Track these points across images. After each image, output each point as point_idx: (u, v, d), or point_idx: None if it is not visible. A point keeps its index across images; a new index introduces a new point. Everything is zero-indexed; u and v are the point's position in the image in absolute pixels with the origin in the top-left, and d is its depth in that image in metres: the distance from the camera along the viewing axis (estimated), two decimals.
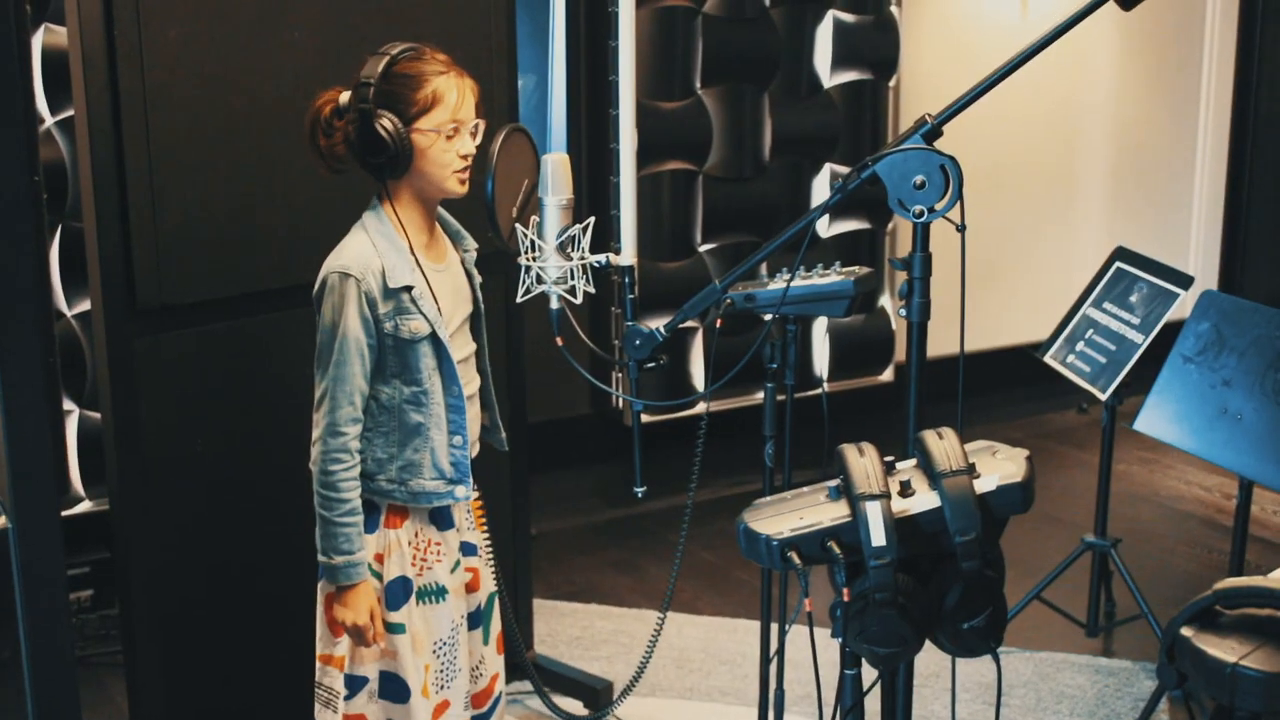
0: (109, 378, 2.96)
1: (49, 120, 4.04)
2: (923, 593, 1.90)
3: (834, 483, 1.96)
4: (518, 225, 2.57)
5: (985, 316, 5.99)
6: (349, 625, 2.61)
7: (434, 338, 2.61)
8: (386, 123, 2.52)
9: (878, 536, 1.85)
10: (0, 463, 1.92)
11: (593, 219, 2.54)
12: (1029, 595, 4.10)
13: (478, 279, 2.81)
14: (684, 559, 4.64)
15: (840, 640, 1.94)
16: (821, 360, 5.65)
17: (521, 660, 3.42)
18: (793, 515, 1.93)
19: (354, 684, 2.69)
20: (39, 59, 3.99)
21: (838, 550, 1.89)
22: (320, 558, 2.64)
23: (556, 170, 2.51)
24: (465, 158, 2.62)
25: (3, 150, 1.81)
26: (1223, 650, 1.94)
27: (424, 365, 2.62)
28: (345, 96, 2.58)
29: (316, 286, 2.60)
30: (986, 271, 6.07)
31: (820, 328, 5.61)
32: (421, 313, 2.59)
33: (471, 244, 2.82)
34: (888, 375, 5.82)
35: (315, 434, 2.59)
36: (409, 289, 2.58)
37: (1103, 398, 3.93)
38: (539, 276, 2.53)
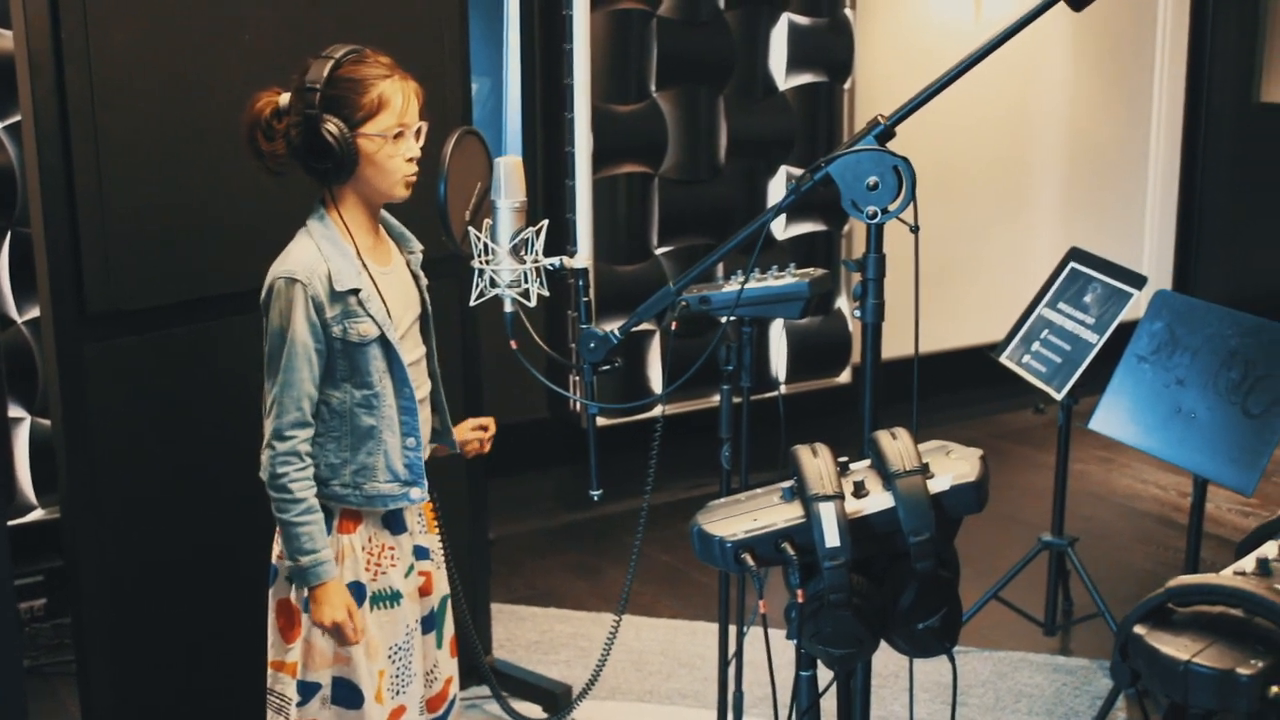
0: (59, 384, 2.93)
1: None
2: (877, 593, 1.90)
3: (788, 484, 1.96)
4: (470, 228, 2.56)
5: (940, 318, 6.01)
6: (328, 624, 2.59)
7: (383, 340, 2.60)
8: (332, 127, 2.50)
9: (831, 537, 1.84)
10: None
11: (546, 222, 2.53)
12: (987, 595, 4.11)
13: (424, 281, 2.80)
14: (642, 561, 4.63)
15: (795, 642, 1.94)
16: (778, 362, 5.66)
17: (480, 665, 3.40)
18: (746, 517, 1.93)
19: (306, 690, 2.67)
20: None
21: (792, 551, 1.89)
22: (286, 562, 2.62)
23: (509, 173, 2.50)
24: (411, 160, 2.60)
25: None
26: (1175, 648, 1.95)
27: (374, 368, 2.60)
28: (285, 98, 2.56)
29: (264, 293, 2.58)
30: (941, 273, 6.09)
31: (777, 330, 5.62)
32: (370, 315, 2.57)
33: (417, 246, 2.80)
34: (845, 377, 5.83)
35: (264, 440, 2.57)
36: (356, 292, 2.56)
37: (1058, 397, 3.95)
38: (492, 280, 2.52)
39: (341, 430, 2.62)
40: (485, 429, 2.97)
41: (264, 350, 2.58)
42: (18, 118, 3.91)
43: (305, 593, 2.65)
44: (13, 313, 4.09)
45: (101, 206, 2.89)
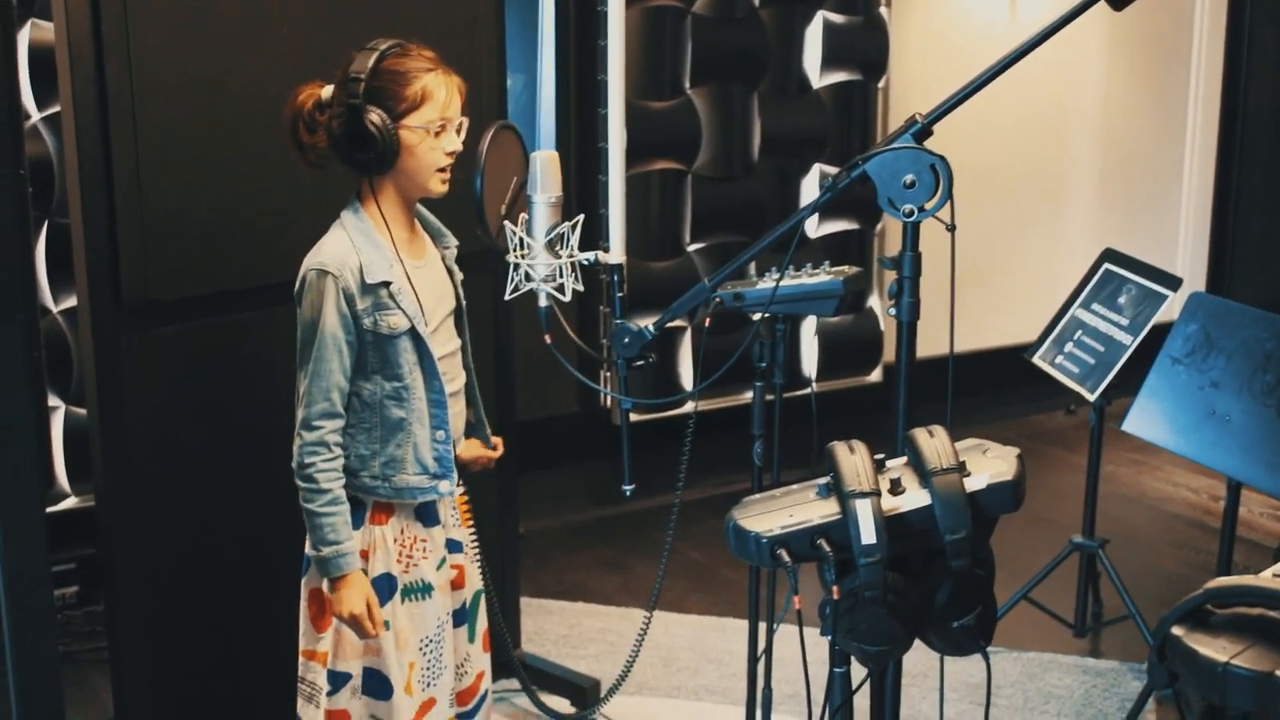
0: (95, 374, 2.95)
1: (35, 116, 4.02)
2: (912, 591, 1.90)
3: (824, 480, 1.96)
4: (506, 223, 2.56)
5: (973, 317, 5.99)
6: (345, 616, 2.60)
7: (414, 333, 2.61)
8: (375, 118, 2.51)
9: (867, 534, 1.84)
10: None
11: (581, 216, 2.53)
12: (1017, 595, 4.10)
13: (459, 276, 2.81)
14: (672, 558, 4.63)
15: (829, 638, 1.94)
16: (810, 360, 5.65)
17: (509, 658, 3.40)
18: (782, 513, 1.92)
19: (336, 680, 2.68)
20: (26, 55, 3.97)
21: (827, 548, 1.88)
22: (309, 551, 2.63)
23: (546, 168, 2.50)
24: (451, 155, 2.61)
25: None
26: (1214, 649, 1.94)
27: (404, 360, 2.61)
28: (327, 91, 2.57)
29: (297, 284, 2.60)
30: (974, 272, 6.07)
31: (809, 328, 5.61)
32: (400, 308, 2.58)
33: (452, 241, 2.81)
34: (876, 376, 5.83)
35: (296, 428, 2.59)
36: (387, 285, 2.57)
37: (1091, 399, 3.93)
38: (527, 274, 2.52)
39: (371, 422, 2.63)
40: (495, 450, 2.98)
41: (296, 341, 2.60)
42: (56, 109, 3.94)
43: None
44: (49, 302, 4.12)
45: (139, 198, 2.91)
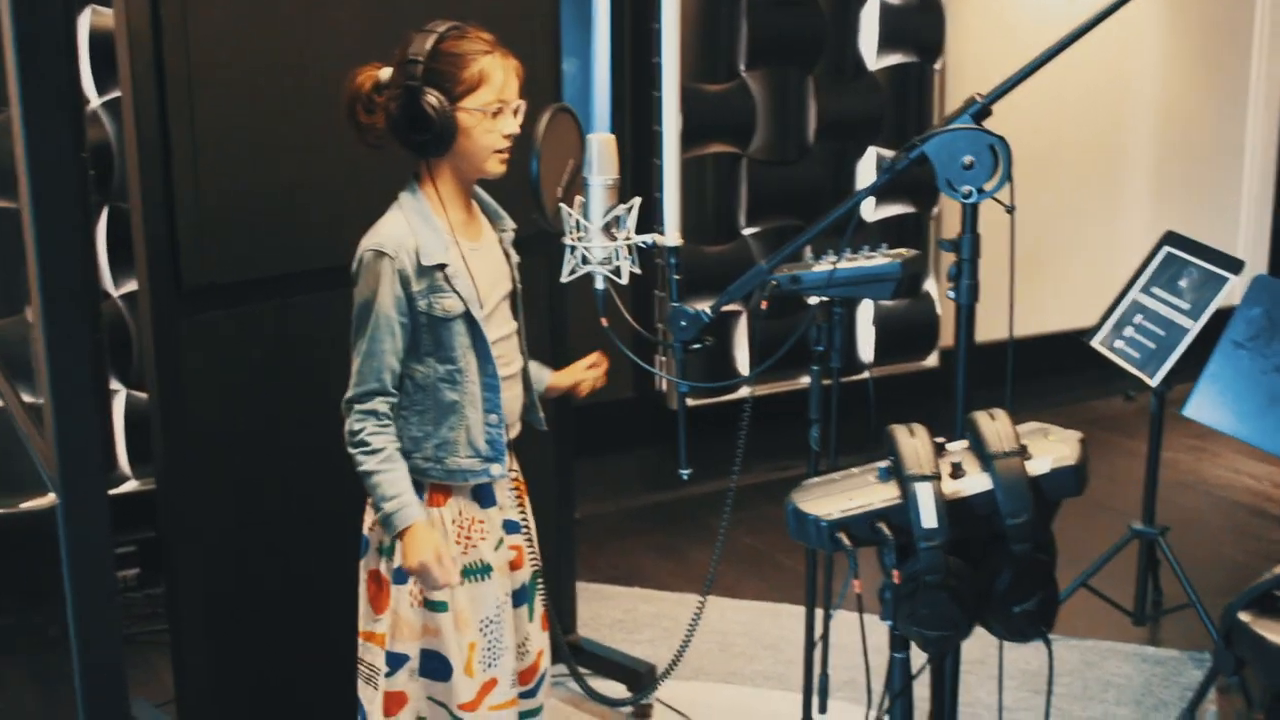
0: (155, 357, 2.97)
1: (95, 101, 4.05)
2: (973, 576, 1.88)
3: (884, 464, 1.94)
4: (562, 205, 2.55)
5: (1030, 301, 5.92)
6: (415, 567, 2.59)
7: (468, 316, 2.61)
8: (433, 99, 2.52)
9: (928, 518, 1.82)
10: (49, 440, 1.93)
11: (638, 199, 2.53)
12: (1075, 583, 4.07)
13: (515, 259, 2.81)
14: (727, 543, 4.63)
15: (889, 623, 1.92)
16: (865, 345, 5.62)
17: (558, 643, 3.41)
18: (842, 496, 1.91)
19: (395, 661, 2.69)
20: (85, 40, 4.00)
21: (888, 532, 1.87)
22: (375, 515, 2.64)
23: (603, 150, 2.49)
24: (508, 138, 2.61)
25: (53, 130, 1.81)
26: None
27: (458, 344, 2.62)
28: (386, 72, 2.58)
29: (354, 264, 2.61)
30: (1031, 256, 6.01)
31: (864, 312, 5.58)
32: (455, 291, 2.59)
33: (509, 224, 2.81)
34: (932, 360, 5.79)
35: (345, 402, 2.61)
36: (443, 267, 2.58)
37: (1152, 384, 3.88)
38: (584, 257, 2.51)
39: (425, 404, 2.64)
40: (596, 365, 3.01)
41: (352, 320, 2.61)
42: (115, 94, 3.97)
43: (393, 564, 2.67)
44: (109, 287, 4.15)
45: (198, 182, 2.92)
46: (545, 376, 2.96)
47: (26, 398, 2.64)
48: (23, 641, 3.36)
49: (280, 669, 3.24)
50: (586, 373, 2.99)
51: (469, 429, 2.66)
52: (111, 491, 4.16)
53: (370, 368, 2.58)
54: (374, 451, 2.58)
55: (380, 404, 2.59)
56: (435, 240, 2.59)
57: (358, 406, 2.59)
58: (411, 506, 2.60)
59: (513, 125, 2.62)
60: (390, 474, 2.59)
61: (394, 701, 2.71)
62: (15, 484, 2.92)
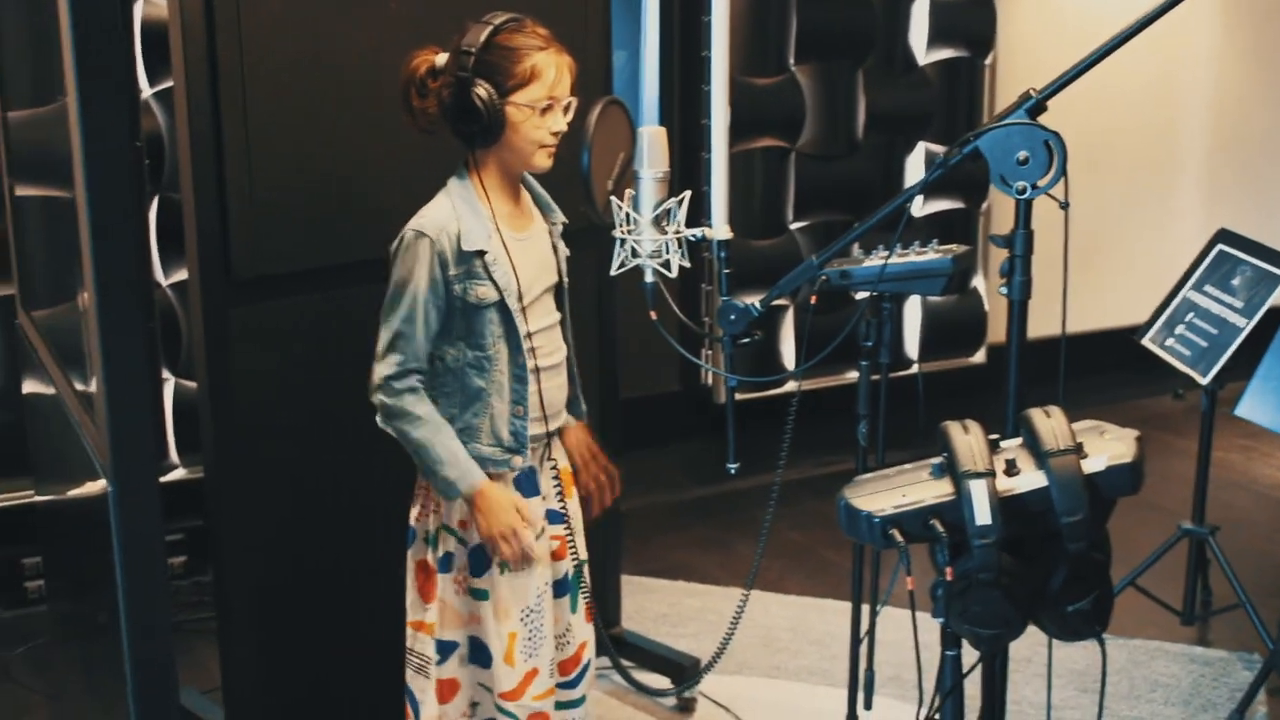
0: (205, 347, 2.98)
1: (147, 92, 4.08)
2: (1027, 574, 1.87)
3: (937, 460, 1.93)
4: (613, 198, 2.55)
5: (1081, 298, 5.87)
6: (499, 534, 2.60)
7: (501, 305, 2.62)
8: (482, 92, 2.52)
9: (982, 515, 1.81)
10: (101, 428, 1.94)
11: (689, 192, 2.52)
12: (1124, 581, 4.03)
13: (564, 251, 2.81)
14: (772, 538, 4.61)
15: (941, 620, 1.91)
16: (913, 340, 5.60)
17: (600, 635, 3.41)
18: (895, 492, 1.90)
19: (445, 649, 2.71)
20: (138, 31, 4.03)
21: (941, 529, 1.86)
22: (434, 483, 2.64)
23: (653, 143, 2.48)
24: (555, 134, 2.62)
25: (109, 119, 1.82)
26: None
27: (489, 332, 2.62)
28: (441, 58, 2.59)
29: (395, 242, 2.63)
30: (1082, 252, 5.94)
31: (912, 309, 5.56)
32: (492, 279, 2.59)
33: (559, 216, 2.81)
34: (979, 357, 5.76)
35: (374, 381, 2.61)
36: (482, 254, 2.58)
37: (1203, 382, 3.84)
38: (634, 250, 2.51)
39: (453, 387, 2.65)
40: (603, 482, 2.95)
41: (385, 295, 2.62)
42: (167, 84, 3.99)
43: (439, 553, 2.67)
44: (159, 276, 4.18)
45: (249, 173, 2.93)
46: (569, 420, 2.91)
47: (78, 385, 2.66)
48: (71, 628, 3.39)
49: (326, 658, 3.25)
50: (594, 475, 2.94)
51: (493, 418, 2.66)
52: (160, 479, 4.19)
53: (404, 347, 2.59)
54: (418, 418, 2.59)
55: (415, 380, 2.61)
56: (478, 226, 2.60)
57: (395, 384, 2.59)
58: (471, 466, 2.60)
59: (561, 123, 2.62)
60: (439, 435, 2.60)
61: (447, 689, 2.73)
62: (64, 470, 2.93)
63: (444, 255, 2.58)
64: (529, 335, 2.66)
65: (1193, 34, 6.30)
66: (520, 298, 2.64)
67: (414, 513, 2.74)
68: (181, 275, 4.13)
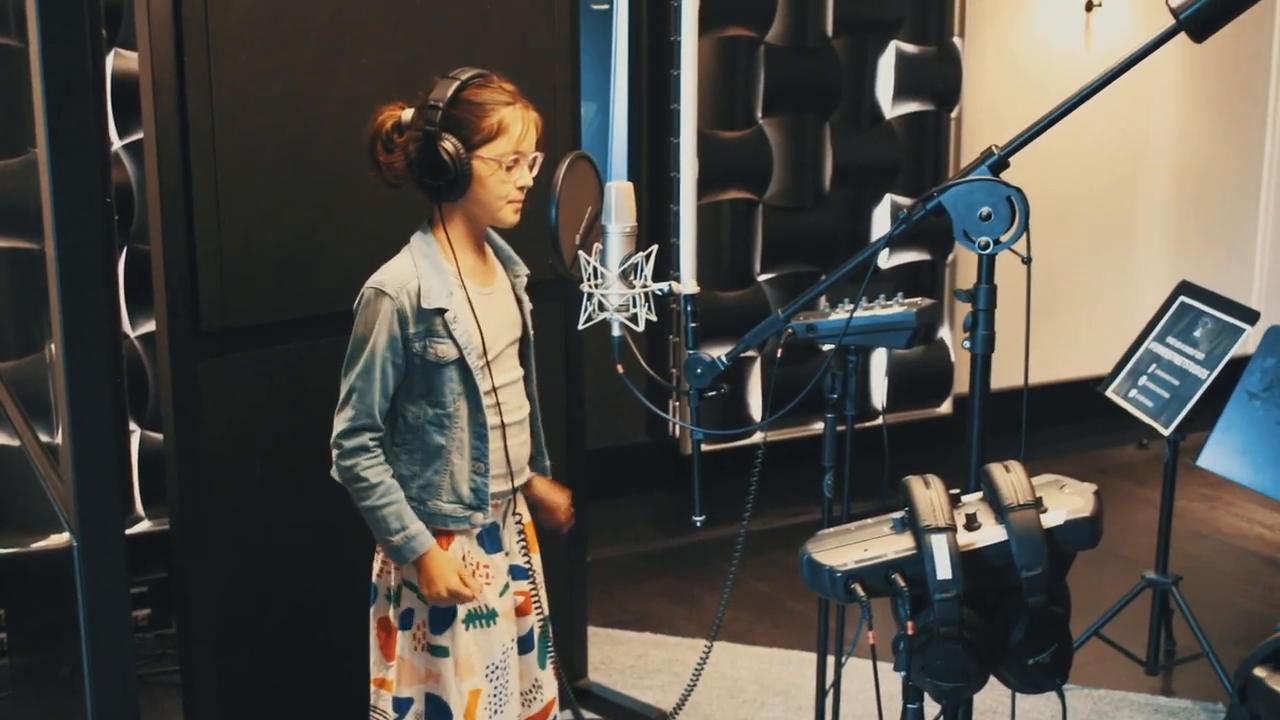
0: (172, 398, 2.98)
1: (117, 144, 4.08)
2: (988, 627, 1.88)
3: (899, 515, 1.95)
4: (580, 252, 2.57)
5: (1045, 350, 5.94)
6: (444, 595, 2.61)
7: (461, 363, 2.63)
8: (449, 146, 2.54)
9: (943, 569, 1.83)
10: (67, 480, 1.93)
11: (655, 247, 2.54)
12: (1088, 632, 4.05)
13: (528, 305, 2.82)
14: (738, 589, 4.62)
15: (903, 674, 1.92)
16: (879, 392, 5.62)
17: (563, 688, 3.41)
18: (857, 547, 1.92)
19: (401, 706, 2.70)
20: (109, 83, 4.03)
21: (902, 583, 1.87)
22: (383, 548, 2.66)
23: (620, 198, 2.50)
24: (521, 189, 2.64)
25: (79, 172, 1.83)
26: None
27: (449, 390, 2.63)
28: (407, 113, 2.61)
29: (356, 300, 2.64)
30: (1046, 304, 6.01)
31: (879, 359, 5.59)
32: (452, 337, 2.60)
33: (523, 270, 2.83)
34: (946, 408, 5.79)
35: (333, 437, 2.62)
36: (442, 312, 2.59)
37: (1166, 433, 3.88)
38: (601, 304, 2.52)
39: (413, 445, 2.66)
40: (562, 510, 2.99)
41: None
42: (137, 136, 4.00)
43: (399, 609, 2.67)
44: (127, 327, 4.17)
45: (218, 226, 2.95)
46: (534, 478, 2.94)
47: (44, 437, 2.65)
48: (34, 681, 3.36)
49: (291, 712, 3.24)
50: (553, 501, 2.97)
51: (453, 475, 2.67)
52: (126, 531, 4.17)
53: (363, 405, 2.60)
54: (372, 486, 2.60)
55: (368, 439, 2.61)
56: (439, 283, 2.61)
57: (346, 444, 2.60)
58: (422, 534, 2.62)
59: (527, 177, 2.64)
60: (394, 505, 2.61)
61: None
62: (28, 522, 2.92)
63: (404, 313, 2.59)
64: (492, 390, 2.67)
65: (1156, 88, 6.38)
66: (485, 353, 2.65)
67: (375, 568, 2.74)
68: (150, 327, 4.12)
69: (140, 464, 4.25)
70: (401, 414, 2.66)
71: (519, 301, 2.81)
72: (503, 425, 2.69)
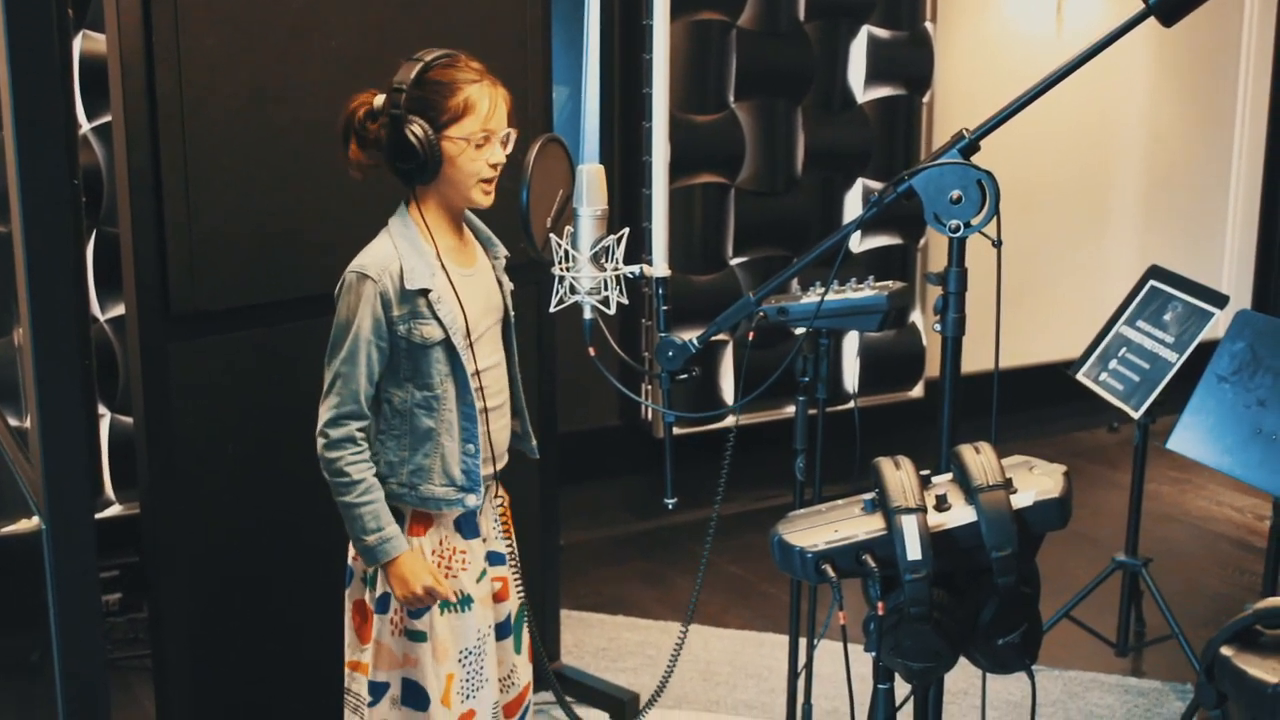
0: (142, 382, 2.97)
1: (85, 126, 4.06)
2: (958, 608, 1.89)
3: (869, 496, 1.95)
4: (552, 235, 2.56)
5: (1015, 334, 5.94)
6: (419, 593, 2.60)
7: (447, 344, 2.62)
8: (417, 129, 2.53)
9: (913, 550, 1.83)
10: (35, 464, 1.93)
11: (627, 230, 2.53)
12: (1059, 613, 4.08)
13: (508, 286, 2.81)
14: (711, 572, 4.63)
15: (874, 654, 1.93)
16: (851, 375, 5.64)
17: (544, 670, 3.41)
18: (827, 528, 1.92)
19: (376, 690, 2.69)
20: (77, 65, 4.01)
21: (872, 564, 1.88)
22: (355, 545, 2.64)
23: (592, 181, 2.50)
24: (494, 167, 2.62)
25: (45, 154, 1.82)
26: (1264, 670, 1.93)
27: (436, 371, 2.62)
28: (380, 100, 2.59)
29: (338, 286, 2.62)
30: (1018, 288, 6.02)
31: (850, 343, 5.60)
32: (437, 318, 2.59)
33: (502, 251, 2.82)
34: (918, 391, 5.81)
35: (319, 425, 2.60)
36: (426, 293, 2.58)
37: (1136, 416, 3.90)
38: (572, 287, 2.52)
39: (401, 429, 2.64)
40: None
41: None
42: (106, 119, 3.97)
43: (375, 593, 2.67)
44: (96, 311, 4.15)
45: (188, 208, 2.93)
46: None
47: (12, 421, 2.64)
48: (3, 666, 3.35)
49: (264, 696, 3.23)
50: None
51: (444, 457, 2.66)
52: (96, 515, 4.15)
53: (348, 390, 2.58)
54: (355, 482, 2.58)
55: (354, 429, 2.60)
56: (421, 265, 2.60)
57: (333, 433, 2.59)
58: (397, 538, 2.60)
59: (499, 155, 2.63)
60: (371, 506, 2.59)
61: None
62: None
63: (387, 295, 2.57)
64: (477, 373, 2.67)
65: (1125, 73, 6.41)
66: (468, 333, 2.64)
67: (351, 552, 2.73)
68: (119, 310, 4.10)
69: (111, 448, 4.24)
70: (388, 399, 2.65)
71: (499, 283, 2.80)
72: (485, 409, 2.68)
